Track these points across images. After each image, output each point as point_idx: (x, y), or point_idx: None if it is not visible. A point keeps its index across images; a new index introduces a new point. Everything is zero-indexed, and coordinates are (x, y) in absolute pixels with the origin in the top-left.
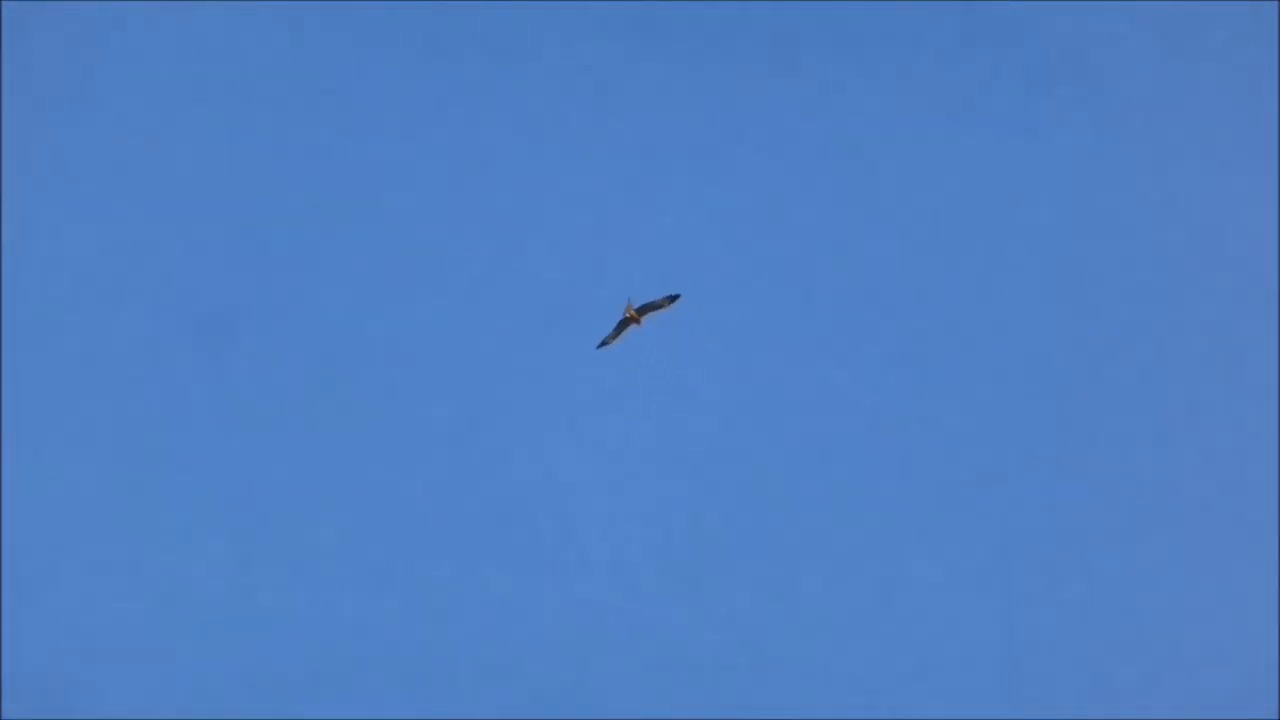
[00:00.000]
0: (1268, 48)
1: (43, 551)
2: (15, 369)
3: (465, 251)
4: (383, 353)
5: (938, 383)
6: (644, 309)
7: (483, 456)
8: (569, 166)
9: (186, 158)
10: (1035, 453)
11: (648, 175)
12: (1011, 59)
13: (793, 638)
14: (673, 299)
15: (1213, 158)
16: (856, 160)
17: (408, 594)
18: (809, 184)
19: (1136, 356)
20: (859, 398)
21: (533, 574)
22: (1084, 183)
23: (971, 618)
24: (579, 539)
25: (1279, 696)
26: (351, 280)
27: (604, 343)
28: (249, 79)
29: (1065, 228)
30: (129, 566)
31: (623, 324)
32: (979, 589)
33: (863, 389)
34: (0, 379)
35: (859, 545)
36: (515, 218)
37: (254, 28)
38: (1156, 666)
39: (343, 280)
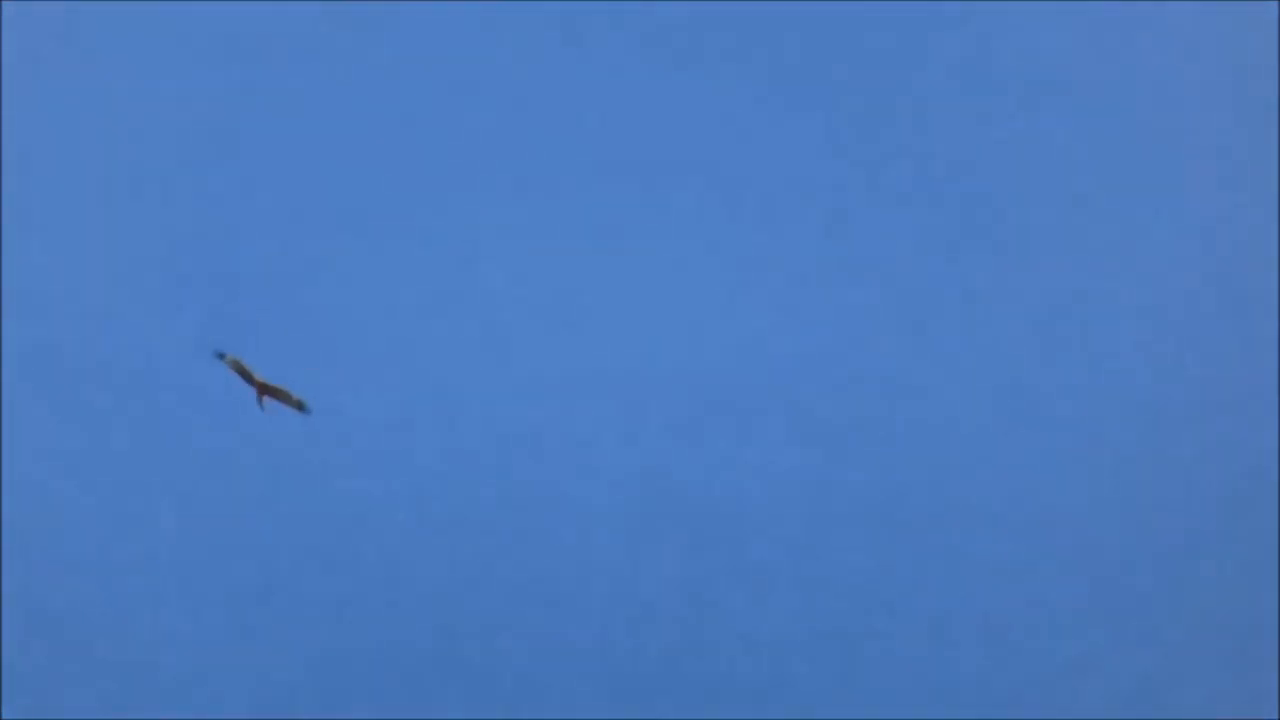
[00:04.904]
0: (1268, 47)
1: (44, 550)
2: (15, 369)
3: (468, 243)
4: (383, 348)
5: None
6: (267, 389)
7: (491, 450)
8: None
9: (186, 155)
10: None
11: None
12: None
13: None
14: (301, 406)
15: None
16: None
17: (418, 594)
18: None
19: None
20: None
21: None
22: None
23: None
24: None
25: (1279, 696)
26: (354, 279)
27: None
28: (252, 75)
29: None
30: (130, 566)
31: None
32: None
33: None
34: (1, 379)
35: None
36: (523, 223)
37: (258, 27)
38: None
39: (344, 280)
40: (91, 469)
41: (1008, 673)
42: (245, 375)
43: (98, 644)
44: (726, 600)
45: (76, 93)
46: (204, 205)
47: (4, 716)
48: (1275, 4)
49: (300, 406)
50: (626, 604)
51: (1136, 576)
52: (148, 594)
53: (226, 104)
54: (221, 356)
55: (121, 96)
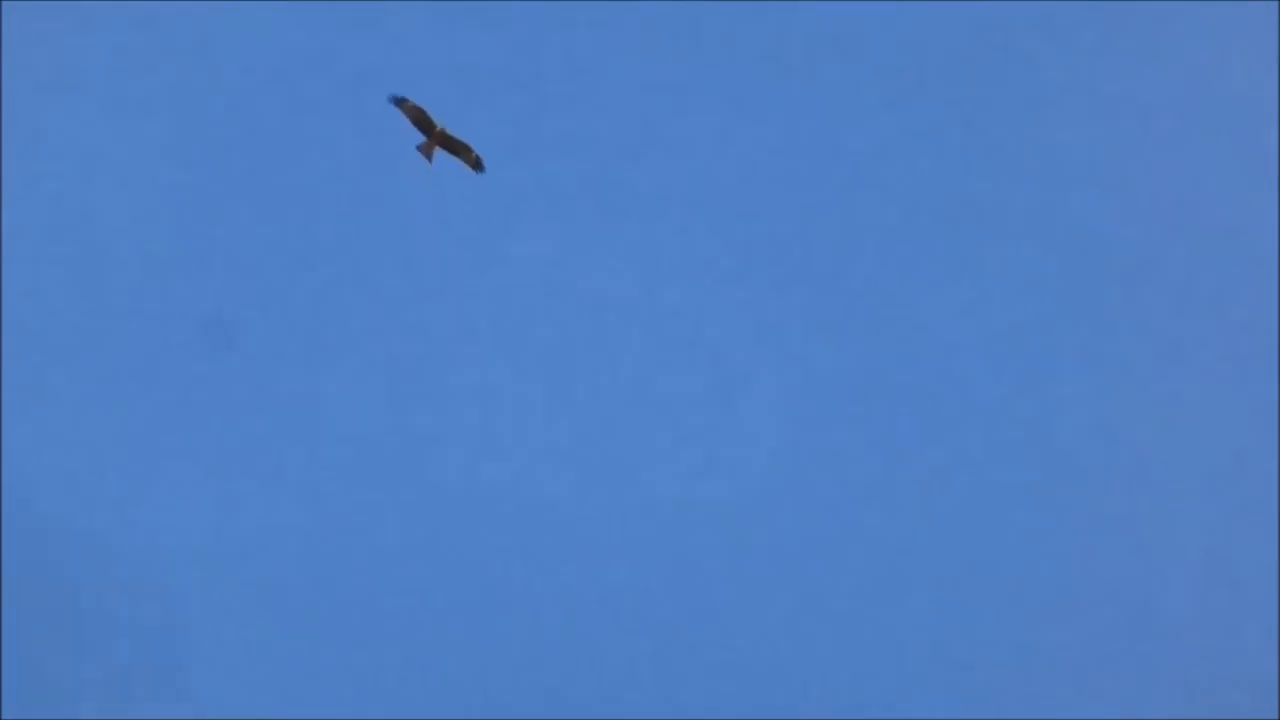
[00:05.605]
0: (1268, 48)
1: (42, 547)
2: (15, 372)
3: (469, 247)
4: (389, 348)
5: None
6: (446, 141)
7: (498, 451)
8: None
9: (189, 152)
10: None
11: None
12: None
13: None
14: (479, 164)
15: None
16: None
17: (421, 594)
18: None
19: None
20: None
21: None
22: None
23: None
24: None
25: (1279, 696)
26: (355, 276)
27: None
28: (252, 74)
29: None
30: (128, 566)
31: (424, 129)
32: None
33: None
34: (0, 381)
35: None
36: (520, 219)
37: (262, 26)
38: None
39: (345, 278)
40: (92, 468)
41: (1004, 671)
42: (424, 124)
43: (98, 644)
44: None
45: (76, 92)
46: (200, 204)
47: (4, 717)
48: (1275, 4)
49: (477, 164)
50: None
51: (1135, 578)
52: (148, 594)
53: (224, 103)
54: (400, 102)
55: (121, 95)
